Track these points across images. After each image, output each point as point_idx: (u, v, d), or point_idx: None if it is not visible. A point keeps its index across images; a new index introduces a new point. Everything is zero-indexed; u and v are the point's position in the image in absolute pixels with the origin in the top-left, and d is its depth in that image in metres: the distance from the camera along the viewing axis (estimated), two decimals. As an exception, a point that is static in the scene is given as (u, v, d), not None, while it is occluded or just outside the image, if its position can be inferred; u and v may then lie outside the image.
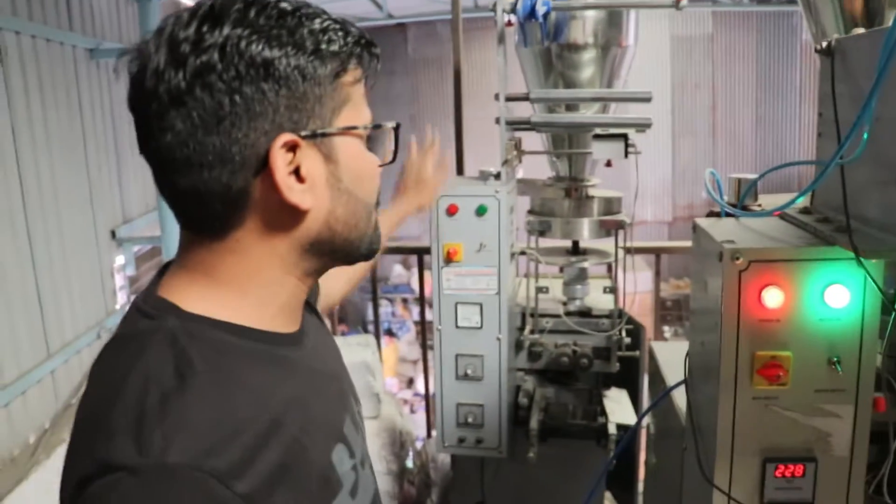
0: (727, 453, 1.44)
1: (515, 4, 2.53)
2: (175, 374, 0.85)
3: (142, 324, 0.93)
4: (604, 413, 2.93)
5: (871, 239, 1.30)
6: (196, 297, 0.95)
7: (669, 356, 2.23)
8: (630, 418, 2.94)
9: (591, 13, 2.68)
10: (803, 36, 12.82)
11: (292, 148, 0.92)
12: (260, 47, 0.88)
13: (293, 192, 0.93)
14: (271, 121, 0.90)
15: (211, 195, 0.90)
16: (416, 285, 6.93)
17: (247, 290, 0.97)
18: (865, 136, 1.26)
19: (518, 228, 2.88)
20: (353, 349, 3.66)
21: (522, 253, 2.97)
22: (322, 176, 0.96)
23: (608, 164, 2.82)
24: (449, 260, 2.59)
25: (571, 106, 2.83)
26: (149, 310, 0.94)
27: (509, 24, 2.62)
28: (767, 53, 13.10)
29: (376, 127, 1.04)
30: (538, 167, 3.16)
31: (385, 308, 12.90)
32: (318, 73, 0.93)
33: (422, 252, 3.89)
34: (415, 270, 5.50)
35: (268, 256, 0.97)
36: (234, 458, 0.82)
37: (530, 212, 3.02)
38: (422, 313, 4.36)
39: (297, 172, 0.93)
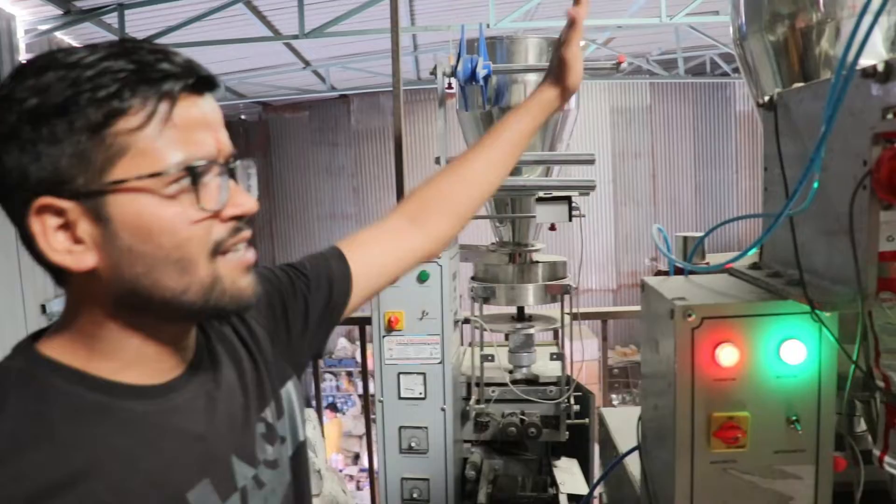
0: (686, 522, 1.37)
1: (456, 68, 2.51)
2: None
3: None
4: (554, 483, 2.84)
5: (825, 291, 1.27)
6: (58, 343, 0.96)
7: (620, 423, 2.16)
8: (581, 488, 2.85)
9: (532, 77, 2.68)
10: (737, 106, 13.26)
11: (57, 210, 0.88)
12: (8, 113, 0.87)
13: (57, 255, 0.90)
14: (22, 186, 0.87)
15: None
16: (360, 357, 6.78)
17: (93, 340, 0.96)
18: (816, 184, 1.23)
19: (461, 295, 2.81)
20: (294, 425, 3.51)
21: (466, 321, 2.90)
22: (93, 236, 0.90)
23: (552, 227, 2.78)
24: (390, 328, 2.51)
25: (515, 169, 2.79)
26: (11, 350, 0.96)
27: (449, 87, 2.60)
28: (704, 123, 13.50)
29: (189, 169, 0.91)
30: (482, 233, 3.12)
31: (329, 382, 12.67)
32: (70, 130, 0.87)
33: (363, 322, 3.79)
34: (360, 343, 5.44)
35: (96, 311, 0.95)
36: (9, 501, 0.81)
37: (474, 278, 2.96)
38: (364, 385, 4.24)
39: (74, 232, 0.90)
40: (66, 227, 0.89)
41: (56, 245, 0.89)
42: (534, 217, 2.77)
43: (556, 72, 1.62)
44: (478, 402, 2.84)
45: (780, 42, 1.82)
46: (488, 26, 7.09)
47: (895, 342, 1.40)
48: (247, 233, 1.00)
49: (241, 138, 14.09)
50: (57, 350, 0.95)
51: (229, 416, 1.09)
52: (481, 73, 2.42)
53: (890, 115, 1.13)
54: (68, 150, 0.86)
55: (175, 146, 0.91)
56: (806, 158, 1.30)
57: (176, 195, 0.91)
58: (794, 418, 1.33)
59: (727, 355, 1.30)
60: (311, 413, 3.76)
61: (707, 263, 1.74)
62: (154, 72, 0.90)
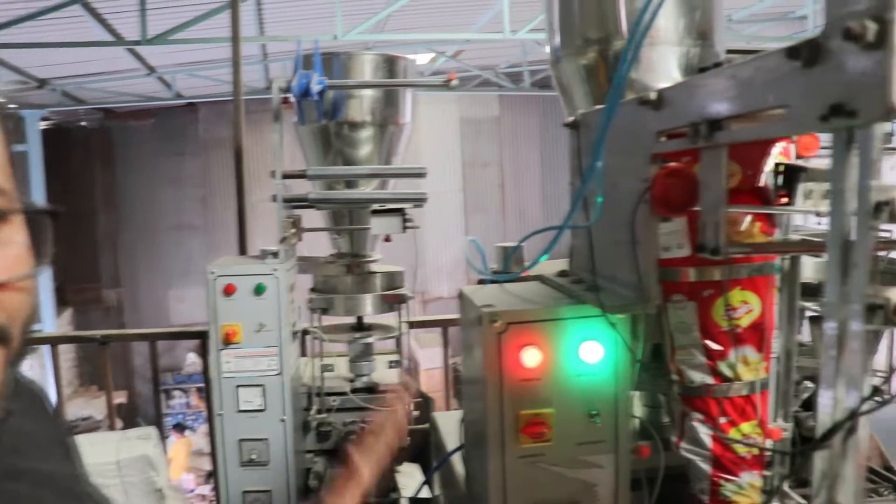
0: (500, 513, 1.47)
1: (291, 83, 2.55)
2: None
3: None
4: (396, 489, 2.91)
5: (616, 296, 1.39)
6: None
7: (451, 425, 2.26)
8: (423, 492, 2.93)
9: (368, 92, 2.75)
10: (580, 118, 13.77)
11: None
12: None
13: None
14: None
15: None
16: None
17: None
18: (600, 199, 1.35)
19: (300, 307, 2.84)
20: (133, 443, 3.45)
21: (306, 332, 2.93)
22: None
23: (387, 239, 2.86)
24: (227, 341, 2.51)
25: (351, 182, 2.86)
26: None
27: (286, 102, 2.63)
28: (550, 134, 13.97)
29: None
30: (320, 245, 3.16)
31: (179, 399, 12.32)
32: None
33: (204, 336, 3.75)
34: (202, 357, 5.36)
35: None
36: None
37: (312, 289, 3.00)
38: (207, 400, 4.18)
39: None
40: None
41: None
42: (369, 229, 2.84)
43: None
44: (319, 411, 2.88)
45: (591, 65, 1.96)
46: (335, 38, 7.12)
47: (687, 339, 1.55)
48: None
49: (79, 146, 13.49)
50: None
51: None
52: (315, 88, 2.47)
53: (663, 138, 1.26)
54: None
55: None
56: (603, 174, 1.43)
57: None
58: (594, 413, 1.45)
59: (531, 357, 1.41)
60: (150, 430, 3.69)
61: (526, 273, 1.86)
62: None
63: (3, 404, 0.72)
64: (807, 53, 0.86)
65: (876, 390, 1.00)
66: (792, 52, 0.88)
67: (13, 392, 0.72)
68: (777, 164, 1.57)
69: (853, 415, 0.89)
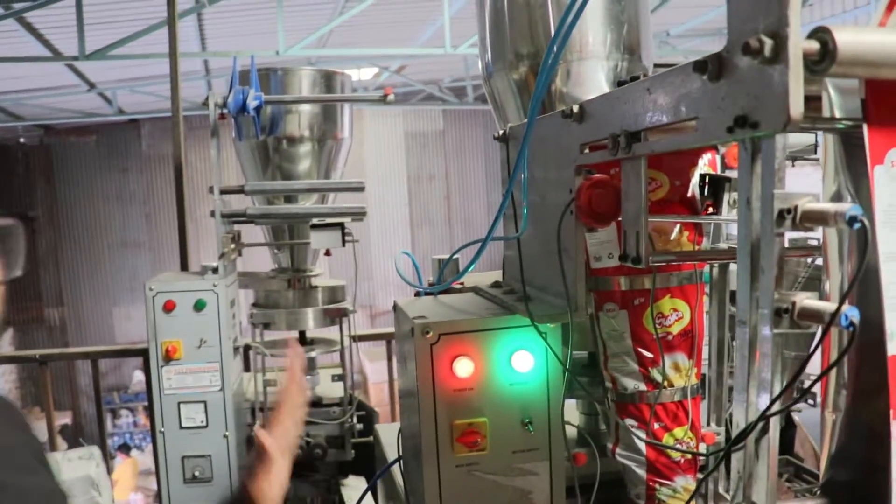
0: (437, 523, 1.48)
1: (227, 98, 2.55)
2: None
3: None
4: (342, 502, 2.90)
5: (545, 305, 1.42)
6: None
7: (392, 437, 2.26)
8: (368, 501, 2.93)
9: (305, 107, 2.76)
10: (523, 130, 13.90)
11: None
12: None
13: None
14: None
15: None
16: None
17: None
18: (525, 210, 1.38)
19: (242, 322, 2.83)
20: (75, 464, 3.38)
21: (248, 347, 2.92)
22: None
23: (327, 253, 2.87)
24: (168, 358, 2.50)
25: (290, 197, 2.86)
26: None
27: (222, 117, 2.63)
28: (494, 146, 13.91)
29: None
30: (261, 260, 3.15)
31: (126, 418, 12.10)
32: None
33: (146, 353, 3.71)
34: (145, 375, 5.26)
35: None
36: None
37: (254, 304, 2.99)
38: (151, 418, 4.12)
39: None
40: None
41: None
42: (309, 243, 2.85)
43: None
44: (262, 426, 2.86)
45: (522, 79, 1.99)
46: (277, 53, 7.09)
47: (620, 347, 1.59)
48: None
49: (20, 163, 13.21)
50: None
51: None
52: (252, 104, 2.47)
53: (587, 150, 1.29)
54: None
55: None
56: (531, 186, 1.46)
57: None
58: (527, 421, 1.47)
59: (463, 367, 1.43)
60: (93, 449, 3.62)
61: (462, 284, 1.88)
62: None
63: None
64: (713, 67, 0.90)
65: (805, 392, 1.03)
66: (699, 66, 0.91)
67: None
68: (703, 176, 1.61)
69: (763, 416, 0.93)
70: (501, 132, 1.67)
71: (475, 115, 13.84)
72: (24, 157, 13.31)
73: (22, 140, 13.28)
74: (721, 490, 1.74)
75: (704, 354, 1.74)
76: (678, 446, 1.58)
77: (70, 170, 13.32)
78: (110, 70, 8.98)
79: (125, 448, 11.61)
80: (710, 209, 1.62)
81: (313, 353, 2.98)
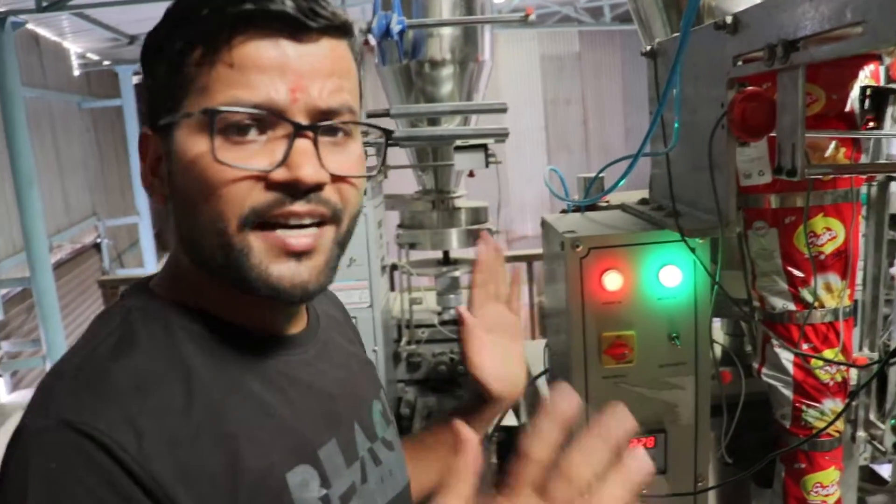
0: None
1: (371, 24, 2.60)
2: (115, 346, 0.84)
3: (113, 305, 0.94)
4: (484, 417, 2.99)
5: (695, 220, 1.42)
6: (170, 283, 0.95)
7: (536, 353, 2.32)
8: (510, 419, 3.02)
9: (447, 31, 2.78)
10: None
11: (152, 141, 0.91)
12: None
13: (145, 182, 0.93)
14: (144, 113, 0.92)
15: None
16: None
17: (199, 284, 0.92)
18: (676, 125, 1.37)
19: (388, 242, 2.93)
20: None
21: (395, 267, 3.02)
22: (163, 170, 0.90)
23: (471, 174, 2.91)
24: (320, 276, 2.62)
25: (433, 120, 2.91)
26: (123, 293, 0.96)
27: (367, 43, 2.69)
28: (632, 69, 13.69)
29: (208, 112, 0.83)
30: (406, 182, 3.23)
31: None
32: (163, 55, 0.87)
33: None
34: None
35: (183, 256, 0.93)
36: (142, 428, 0.77)
37: (400, 225, 3.08)
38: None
39: (158, 165, 0.91)
40: (159, 159, 0.90)
41: (144, 173, 0.92)
42: (453, 165, 2.90)
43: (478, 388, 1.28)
44: (409, 343, 2.98)
45: (668, -6, 1.95)
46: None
47: (769, 266, 1.57)
48: (299, 206, 0.85)
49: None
50: (173, 289, 0.93)
51: (352, 384, 1.05)
52: (395, 28, 2.51)
53: (740, 63, 1.27)
54: (160, 82, 0.88)
55: (225, 87, 0.84)
56: (681, 102, 1.45)
57: (221, 143, 0.84)
58: (674, 335, 1.49)
59: (612, 281, 1.45)
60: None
61: (607, 202, 1.89)
62: (226, 3, 0.84)
63: (329, 273, 0.90)
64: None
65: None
66: (869, -34, 0.88)
67: (337, 266, 0.92)
68: (864, 88, 1.55)
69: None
70: (648, 48, 1.65)
71: (612, 35, 13.47)
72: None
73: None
74: (872, 417, 1.71)
75: (858, 279, 1.69)
76: (828, 368, 1.56)
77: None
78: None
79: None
80: (871, 124, 1.56)
81: (457, 273, 3.06)
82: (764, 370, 1.63)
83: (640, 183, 1.86)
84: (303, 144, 0.85)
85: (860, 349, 1.77)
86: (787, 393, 1.59)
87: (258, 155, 0.84)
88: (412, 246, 3.00)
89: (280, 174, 0.84)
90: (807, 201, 1.48)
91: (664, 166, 1.55)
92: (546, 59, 13.66)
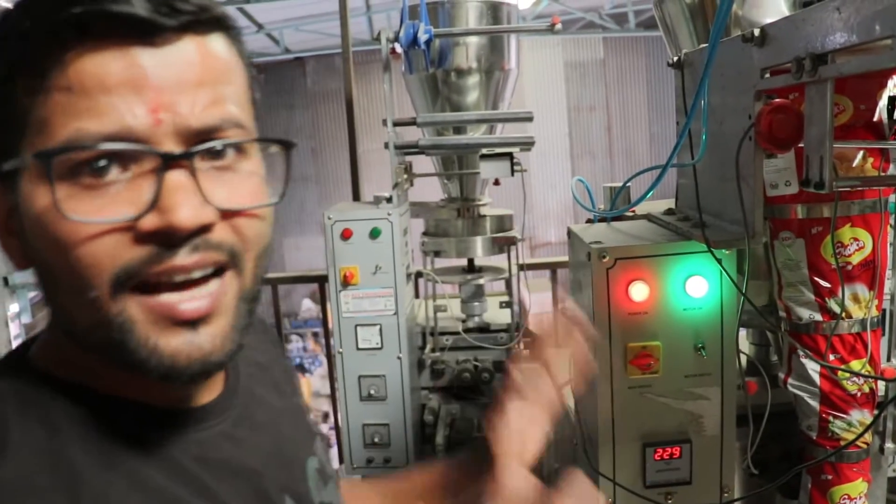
0: (609, 441, 1.54)
1: (398, 33, 2.62)
2: None
3: None
4: (507, 424, 2.99)
5: (721, 231, 1.43)
6: (51, 352, 0.78)
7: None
8: (533, 428, 3.01)
9: (473, 39, 2.79)
10: (687, 57, 13.42)
11: (2, 189, 0.72)
12: None
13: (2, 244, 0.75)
14: None
15: None
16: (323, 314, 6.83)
17: (83, 353, 0.75)
18: (704, 136, 1.38)
19: (413, 250, 2.95)
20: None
21: (419, 274, 3.03)
22: (18, 226, 0.72)
23: (496, 182, 2.92)
24: (346, 283, 2.64)
25: (459, 128, 2.92)
26: None
27: (394, 52, 2.71)
28: (656, 75, 13.66)
29: (40, 156, 0.66)
30: (431, 190, 3.25)
31: (296, 343, 12.79)
32: None
33: (322, 280, 3.92)
34: (321, 299, 5.52)
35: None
36: None
37: (425, 233, 3.09)
38: (326, 341, 4.37)
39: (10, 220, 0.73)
40: (10, 213, 0.72)
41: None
42: (478, 173, 2.91)
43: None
44: (433, 350, 2.99)
45: (696, 3, 1.95)
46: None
47: (795, 276, 1.57)
48: (182, 259, 0.68)
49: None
50: (54, 361, 0.76)
51: (280, 450, 0.91)
52: (422, 37, 2.53)
53: (768, 75, 1.28)
54: None
55: (66, 118, 0.66)
56: (708, 113, 1.46)
57: (69, 191, 0.66)
58: (700, 346, 1.49)
59: (639, 291, 1.46)
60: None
61: (633, 212, 1.89)
62: (50, 7, 0.65)
63: (237, 337, 0.75)
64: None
65: None
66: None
67: (247, 325, 0.77)
68: (893, 98, 1.54)
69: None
70: (676, 58, 1.65)
71: (637, 42, 13.44)
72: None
73: (197, 81, 14.04)
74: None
75: (887, 288, 1.69)
76: (855, 379, 1.56)
77: (241, 108, 13.95)
78: (276, 10, 9.33)
79: (300, 368, 12.29)
80: (900, 134, 1.55)
81: (481, 281, 3.06)
82: (790, 381, 1.63)
83: (666, 192, 1.86)
84: (176, 179, 0.67)
85: (888, 360, 1.76)
86: (814, 404, 1.59)
87: (120, 200, 0.67)
88: (437, 254, 3.02)
89: (150, 222, 0.66)
90: (834, 212, 1.48)
91: (691, 177, 1.55)
92: (570, 65, 13.67)
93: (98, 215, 0.66)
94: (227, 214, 0.71)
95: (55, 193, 0.65)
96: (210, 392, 0.84)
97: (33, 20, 0.65)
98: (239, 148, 0.74)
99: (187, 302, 0.69)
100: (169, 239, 0.67)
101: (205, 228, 0.69)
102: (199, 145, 0.69)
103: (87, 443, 0.70)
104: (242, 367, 0.93)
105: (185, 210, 0.66)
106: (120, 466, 0.71)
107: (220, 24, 0.73)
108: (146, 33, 0.66)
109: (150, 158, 0.67)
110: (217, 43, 0.73)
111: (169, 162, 0.67)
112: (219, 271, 0.72)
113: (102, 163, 0.66)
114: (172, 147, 0.67)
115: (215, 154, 0.71)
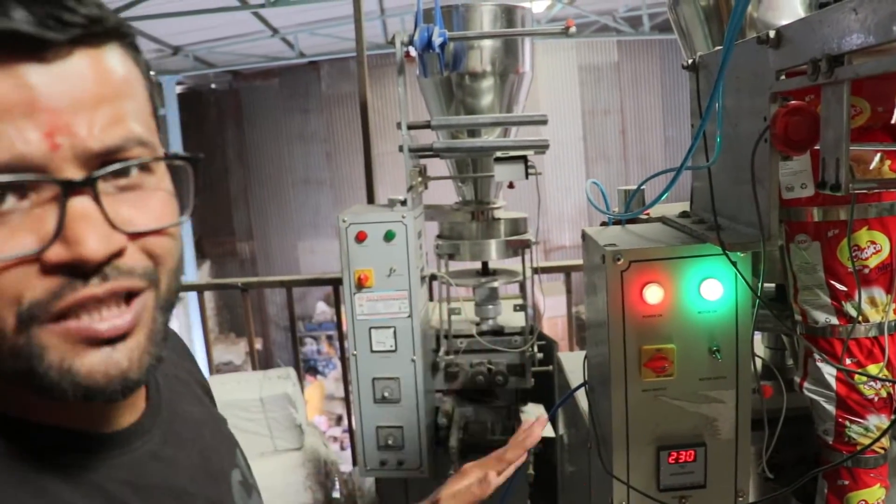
0: (623, 444, 1.53)
1: (413, 37, 2.62)
2: None
3: None
4: (521, 428, 3.00)
5: (736, 234, 1.42)
6: None
7: (575, 365, 2.32)
8: (548, 431, 3.02)
9: (487, 43, 2.80)
10: (702, 61, 13.37)
11: None
12: None
13: None
14: None
15: None
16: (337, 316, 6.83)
17: None
18: (718, 139, 1.37)
19: (427, 253, 2.95)
20: (273, 382, 3.67)
21: (434, 277, 3.04)
22: None
23: (511, 185, 2.93)
24: (360, 286, 2.65)
25: (473, 131, 2.93)
26: None
27: (408, 55, 2.71)
28: (671, 78, 13.62)
29: None
30: (446, 193, 3.25)
31: (310, 346, 12.82)
32: None
33: (337, 283, 3.93)
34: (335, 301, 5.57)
35: None
36: None
37: (439, 236, 3.10)
38: (340, 343, 4.39)
39: None
40: None
41: None
42: (493, 176, 2.91)
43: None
44: (447, 353, 3.00)
45: (710, 6, 1.95)
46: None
47: (811, 280, 1.56)
48: (94, 289, 0.66)
49: (212, 108, 14.08)
50: None
51: (207, 466, 0.90)
52: (437, 41, 2.54)
53: (783, 77, 1.27)
54: None
55: None
56: (723, 115, 1.45)
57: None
58: (715, 349, 1.48)
59: (653, 294, 1.45)
60: (289, 370, 3.91)
61: (647, 214, 1.89)
62: None
63: (155, 350, 0.73)
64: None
65: None
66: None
67: (164, 337, 0.75)
68: (911, 100, 1.53)
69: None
70: (690, 61, 1.65)
71: (651, 45, 13.42)
72: (215, 102, 14.16)
73: (213, 86, 14.14)
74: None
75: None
76: (872, 383, 1.54)
77: (256, 112, 14.07)
78: (291, 15, 9.37)
79: (314, 370, 12.32)
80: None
81: (495, 284, 3.07)
82: (806, 385, 1.62)
83: (681, 195, 1.85)
84: (80, 206, 0.63)
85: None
86: (830, 408, 1.58)
87: (20, 231, 0.62)
88: (451, 256, 3.02)
89: (56, 254, 0.63)
90: (850, 215, 1.47)
91: (705, 179, 1.55)
92: (584, 69, 13.65)
93: (0, 250, 0.62)
94: (135, 236, 0.68)
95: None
96: (133, 412, 0.81)
97: None
98: (144, 166, 0.70)
99: (106, 321, 0.67)
100: (77, 270, 0.64)
101: (114, 255, 0.66)
102: (101, 169, 0.65)
103: (9, 477, 0.67)
104: (162, 381, 0.91)
105: (93, 240, 0.63)
106: (46, 495, 0.68)
107: (115, 34, 0.69)
108: (34, 49, 0.61)
109: (50, 186, 0.63)
110: (113, 55, 0.68)
111: (70, 190, 0.63)
112: (131, 296, 0.69)
113: None
114: (73, 173, 0.63)
115: (118, 174, 0.67)
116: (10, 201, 0.62)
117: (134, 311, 0.69)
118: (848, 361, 1.55)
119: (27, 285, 0.63)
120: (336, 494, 3.96)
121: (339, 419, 11.69)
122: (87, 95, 0.64)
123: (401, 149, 2.70)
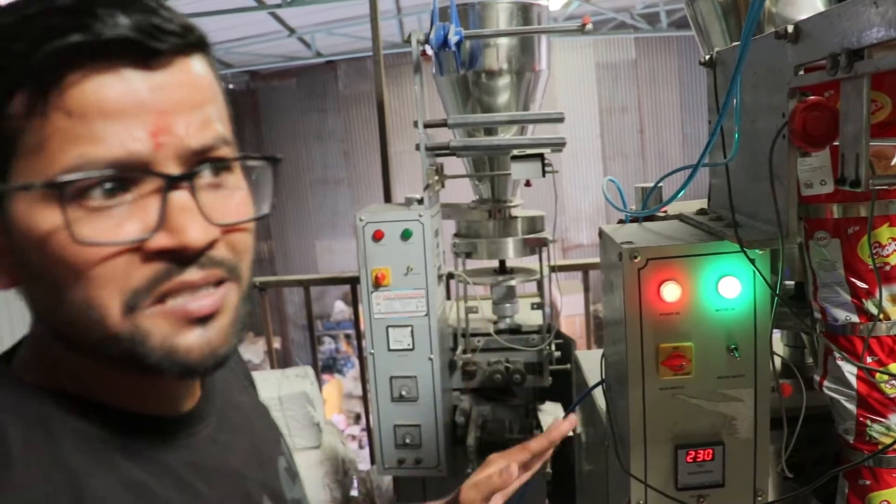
0: (640, 443, 1.52)
1: (429, 35, 2.62)
2: None
3: None
4: (539, 426, 3.00)
5: (754, 231, 1.41)
6: (37, 363, 0.78)
7: (592, 363, 2.31)
8: (566, 430, 3.01)
9: (503, 41, 2.80)
10: (721, 57, 13.27)
11: None
12: None
13: None
14: None
15: None
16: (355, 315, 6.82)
17: (70, 364, 0.77)
18: (736, 135, 1.36)
19: (444, 251, 2.95)
20: (291, 380, 3.68)
21: (451, 276, 3.03)
22: (4, 249, 0.71)
23: (528, 184, 2.92)
24: (378, 284, 2.65)
25: (490, 129, 2.93)
26: None
27: (424, 54, 2.71)
28: (689, 75, 13.53)
29: (55, 185, 0.66)
30: (463, 191, 3.25)
31: (328, 345, 12.84)
32: None
33: (354, 282, 3.94)
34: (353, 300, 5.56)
35: (49, 336, 0.78)
36: None
37: (456, 235, 3.10)
38: (358, 342, 4.39)
39: None
40: None
41: None
42: (510, 174, 2.91)
43: None
44: (464, 351, 2.99)
45: (728, 1, 1.94)
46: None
47: (831, 277, 1.55)
48: (191, 275, 0.72)
49: (230, 108, 14.12)
50: (41, 372, 0.77)
51: (257, 451, 0.96)
52: (453, 39, 2.54)
53: (802, 72, 1.26)
54: None
55: (67, 143, 0.66)
56: (741, 111, 1.44)
57: (76, 214, 0.68)
58: (733, 347, 1.47)
59: (671, 292, 1.45)
60: (307, 368, 3.92)
61: (665, 212, 1.88)
62: (46, 31, 0.65)
63: (237, 335, 0.79)
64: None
65: None
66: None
67: (244, 327, 0.81)
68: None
69: None
70: (708, 57, 1.64)
71: (669, 42, 13.33)
72: (233, 102, 14.13)
73: (231, 86, 14.19)
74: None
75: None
76: (893, 381, 1.53)
77: (274, 112, 14.09)
78: (308, 14, 9.39)
79: (332, 368, 12.34)
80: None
81: (513, 282, 3.06)
82: (826, 383, 1.60)
83: (698, 192, 1.84)
84: (180, 199, 0.70)
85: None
86: (851, 407, 1.56)
87: (127, 220, 0.69)
88: (468, 255, 3.02)
89: (160, 241, 0.69)
90: (871, 211, 1.46)
91: (723, 176, 1.54)
92: (601, 66, 13.58)
93: (109, 237, 0.68)
94: (225, 229, 0.75)
95: (67, 216, 0.67)
96: (192, 398, 0.86)
97: (29, 43, 0.66)
98: (227, 165, 0.77)
99: (199, 300, 0.73)
100: (179, 257, 0.71)
101: (210, 245, 0.73)
102: (198, 166, 0.73)
103: (92, 458, 0.72)
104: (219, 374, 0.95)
105: (195, 229, 0.70)
106: (119, 473, 0.73)
107: (200, 44, 0.76)
108: (141, 55, 0.68)
109: (154, 180, 0.70)
110: (199, 63, 0.76)
111: (172, 183, 0.70)
112: (219, 283, 0.76)
113: (109, 186, 0.68)
114: (173, 168, 0.70)
115: (211, 171, 0.75)
116: (119, 195, 0.69)
117: (221, 294, 0.75)
118: (869, 360, 1.53)
119: (133, 271, 0.69)
120: (354, 493, 3.97)
121: (357, 417, 11.69)
122: (183, 99, 0.71)
123: (418, 147, 2.70)
